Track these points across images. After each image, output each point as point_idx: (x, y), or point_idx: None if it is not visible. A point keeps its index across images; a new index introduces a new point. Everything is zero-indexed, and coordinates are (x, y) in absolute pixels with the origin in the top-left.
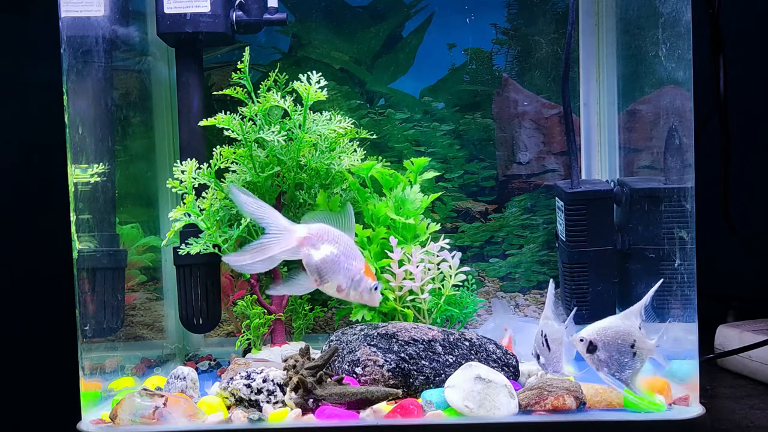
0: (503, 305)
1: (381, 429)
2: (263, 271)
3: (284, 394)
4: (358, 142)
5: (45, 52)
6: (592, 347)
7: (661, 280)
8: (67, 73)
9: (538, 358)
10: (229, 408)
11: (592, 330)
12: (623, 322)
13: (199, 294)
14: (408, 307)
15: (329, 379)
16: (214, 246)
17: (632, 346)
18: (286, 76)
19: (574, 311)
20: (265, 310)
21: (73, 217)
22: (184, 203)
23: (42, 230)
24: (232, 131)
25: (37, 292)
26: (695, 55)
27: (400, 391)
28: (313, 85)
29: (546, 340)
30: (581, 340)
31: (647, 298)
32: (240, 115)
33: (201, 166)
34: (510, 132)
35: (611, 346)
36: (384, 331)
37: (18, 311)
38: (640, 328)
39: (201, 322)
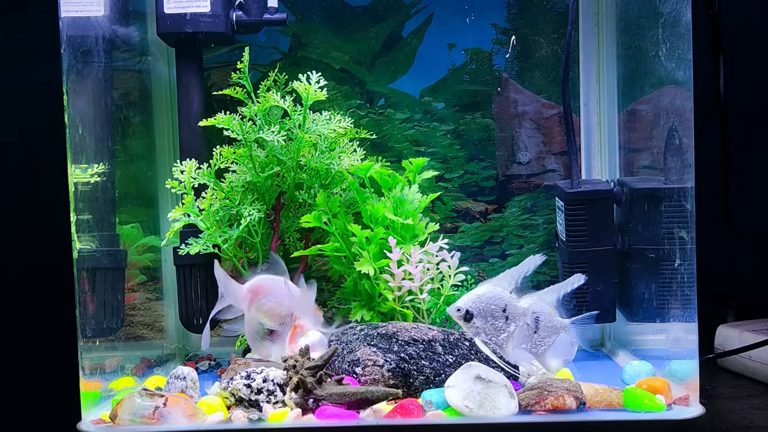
0: None
1: (381, 429)
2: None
3: (284, 394)
4: (357, 142)
5: (45, 52)
6: (468, 315)
7: (543, 257)
8: (67, 73)
9: None
10: (229, 408)
11: (467, 299)
12: (495, 289)
13: (199, 294)
14: (407, 307)
15: (329, 379)
16: (214, 246)
17: (504, 311)
18: (286, 76)
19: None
20: None
21: (73, 217)
22: (183, 203)
23: (42, 230)
24: (232, 131)
25: (37, 292)
26: (695, 55)
27: (400, 391)
28: (312, 85)
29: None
30: (458, 310)
31: (525, 268)
32: (240, 115)
33: (201, 166)
34: (510, 132)
35: (486, 312)
36: (384, 331)
37: (18, 311)
38: (511, 293)
39: (201, 322)
